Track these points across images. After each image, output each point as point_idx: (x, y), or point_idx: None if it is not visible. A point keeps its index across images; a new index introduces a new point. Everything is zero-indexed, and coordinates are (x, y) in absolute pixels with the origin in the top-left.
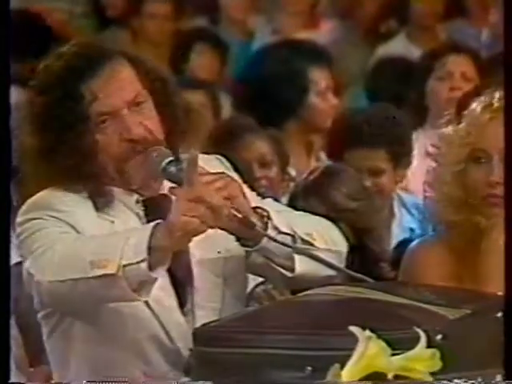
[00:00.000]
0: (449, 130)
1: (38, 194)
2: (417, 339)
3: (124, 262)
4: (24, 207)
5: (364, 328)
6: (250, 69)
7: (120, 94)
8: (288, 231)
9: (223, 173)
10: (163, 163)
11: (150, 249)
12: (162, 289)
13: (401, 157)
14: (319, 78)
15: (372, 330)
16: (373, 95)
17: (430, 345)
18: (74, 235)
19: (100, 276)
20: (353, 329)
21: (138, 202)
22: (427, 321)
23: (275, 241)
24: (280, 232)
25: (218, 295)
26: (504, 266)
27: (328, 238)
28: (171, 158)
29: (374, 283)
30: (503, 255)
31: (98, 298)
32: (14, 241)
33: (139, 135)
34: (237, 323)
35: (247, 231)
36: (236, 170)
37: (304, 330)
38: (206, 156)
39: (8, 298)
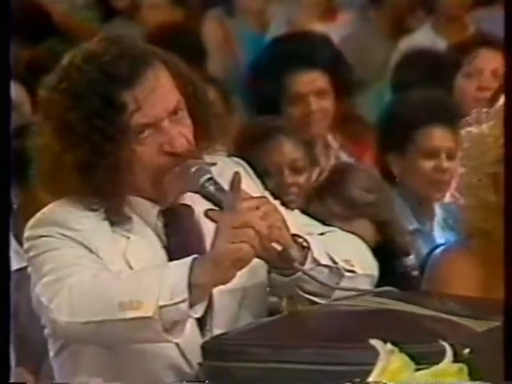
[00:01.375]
0: (479, 129)
1: (48, 208)
2: (442, 353)
3: (161, 303)
4: (33, 221)
5: (386, 341)
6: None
7: (163, 103)
8: (328, 263)
9: (264, 197)
10: (201, 180)
11: (190, 287)
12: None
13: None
14: (299, 82)
15: (394, 344)
16: (399, 91)
17: (456, 359)
18: (91, 267)
19: (132, 319)
20: (374, 342)
21: (159, 214)
22: (453, 333)
23: (311, 277)
24: (319, 264)
25: (236, 316)
26: (504, 270)
27: (363, 262)
28: (210, 176)
29: (396, 293)
30: None
31: (125, 340)
32: (13, 246)
33: (181, 148)
34: (249, 335)
35: (284, 263)
36: (258, 175)
37: (321, 343)
38: (225, 159)
39: (8, 299)
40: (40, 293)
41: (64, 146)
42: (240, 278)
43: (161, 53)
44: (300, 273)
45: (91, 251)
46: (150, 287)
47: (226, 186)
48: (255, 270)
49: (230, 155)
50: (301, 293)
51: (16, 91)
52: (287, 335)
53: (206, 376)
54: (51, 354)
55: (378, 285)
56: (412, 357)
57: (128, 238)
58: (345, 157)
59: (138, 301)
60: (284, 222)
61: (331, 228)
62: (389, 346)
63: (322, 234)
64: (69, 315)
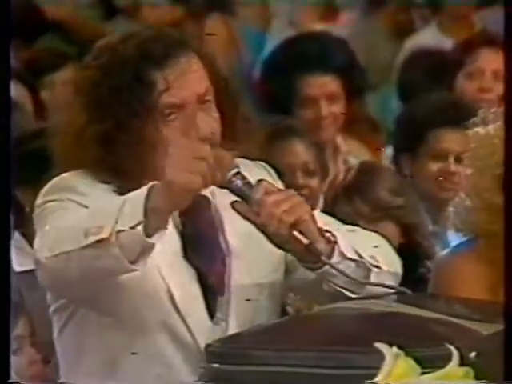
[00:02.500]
0: (485, 130)
1: (61, 176)
2: (449, 357)
3: (119, 228)
4: (45, 188)
5: (391, 344)
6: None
7: (192, 87)
8: (354, 257)
9: (291, 190)
10: (229, 174)
11: (145, 211)
12: (190, 294)
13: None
14: (307, 85)
15: (400, 347)
16: (405, 93)
17: (462, 363)
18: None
19: (92, 244)
20: (379, 345)
21: None
22: (460, 337)
23: (339, 271)
24: (346, 258)
25: (253, 310)
26: (504, 272)
27: (388, 259)
28: (238, 170)
29: (402, 296)
30: None
31: (91, 270)
32: (14, 243)
33: (206, 134)
34: (253, 338)
35: (311, 257)
36: (281, 178)
37: (326, 346)
38: (249, 162)
39: (8, 298)
40: (35, 243)
41: (89, 119)
42: (258, 273)
43: (197, 43)
44: (327, 267)
45: None
46: (111, 213)
47: (253, 181)
48: (274, 268)
49: (246, 157)
50: (327, 288)
51: (17, 91)
52: (291, 338)
53: (208, 379)
54: (55, 334)
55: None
56: (418, 360)
57: None
58: (353, 160)
59: (100, 226)
60: (311, 215)
61: (353, 227)
62: (394, 349)
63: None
64: (45, 251)
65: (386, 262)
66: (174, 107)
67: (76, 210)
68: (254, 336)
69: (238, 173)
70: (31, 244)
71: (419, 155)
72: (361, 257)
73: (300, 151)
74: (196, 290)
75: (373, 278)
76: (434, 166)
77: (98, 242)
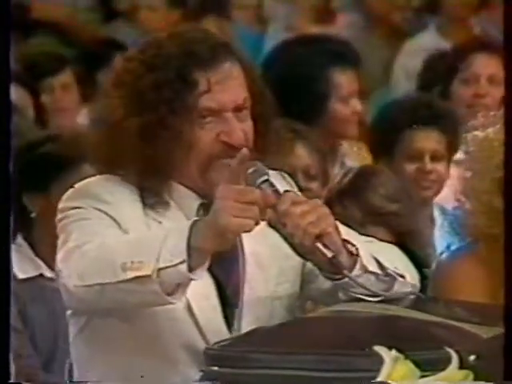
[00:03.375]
0: (485, 133)
1: (85, 181)
2: (448, 360)
3: (161, 265)
4: (68, 193)
5: (390, 348)
6: (265, 69)
7: (232, 93)
8: (376, 270)
9: (318, 201)
10: (258, 181)
11: (189, 249)
12: (209, 305)
13: (455, 146)
14: (343, 81)
15: (399, 350)
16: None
17: (462, 366)
18: (106, 235)
19: (131, 279)
20: (378, 348)
21: (200, 207)
22: (459, 340)
23: (360, 285)
24: (367, 271)
25: (267, 313)
26: (504, 275)
27: (409, 271)
28: (267, 178)
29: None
30: None
31: (126, 302)
32: (28, 254)
33: (238, 141)
34: (253, 341)
35: (333, 269)
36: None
37: (326, 349)
38: (271, 172)
39: (8, 302)
40: (59, 259)
41: (129, 112)
42: (275, 284)
43: (240, 51)
44: (347, 279)
45: (120, 227)
46: (151, 249)
47: (281, 189)
48: (291, 279)
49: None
50: (343, 296)
51: (17, 93)
52: (291, 341)
53: (208, 382)
54: (71, 338)
55: None
56: (417, 364)
57: (160, 222)
58: (349, 163)
59: (140, 261)
60: (336, 227)
61: (369, 238)
62: (393, 352)
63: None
64: (75, 280)
65: (410, 274)
66: (211, 111)
67: (100, 223)
68: (254, 339)
69: (267, 180)
70: (34, 250)
71: (395, 156)
72: (383, 268)
73: (303, 154)
74: (214, 300)
75: (396, 288)
76: (411, 166)
77: (137, 277)
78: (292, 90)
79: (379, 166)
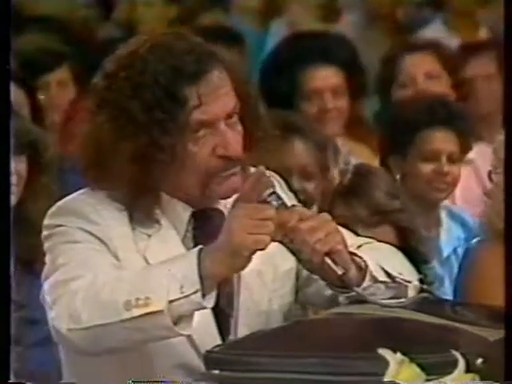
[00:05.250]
0: None
1: (70, 197)
2: (455, 363)
3: (171, 297)
4: (53, 209)
5: (395, 351)
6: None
7: (223, 103)
8: (385, 279)
9: (326, 215)
10: (264, 194)
11: (201, 278)
12: (203, 320)
13: (468, 147)
14: (309, 78)
15: (404, 353)
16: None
17: (469, 369)
18: (103, 267)
19: (139, 316)
20: (383, 351)
21: (191, 217)
22: (466, 343)
23: (369, 300)
24: (377, 281)
25: (263, 319)
26: (504, 273)
27: (410, 272)
28: (273, 190)
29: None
30: None
31: (133, 341)
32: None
33: (235, 152)
34: (253, 344)
35: (342, 284)
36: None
37: (328, 352)
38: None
39: (9, 297)
40: (46, 291)
41: (120, 135)
42: (269, 292)
43: (224, 55)
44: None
45: (109, 249)
46: (157, 282)
47: (288, 202)
48: (286, 285)
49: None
50: (344, 301)
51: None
52: (292, 344)
53: None
54: (62, 356)
55: None
56: (423, 367)
57: (149, 236)
58: (353, 161)
59: (147, 297)
60: (344, 243)
61: (366, 239)
62: (399, 355)
63: (359, 246)
64: (69, 322)
65: (410, 276)
66: (203, 124)
67: (89, 248)
68: (254, 342)
69: (274, 193)
70: None
71: (409, 157)
72: (390, 276)
73: (299, 153)
74: (208, 313)
75: (409, 294)
76: (426, 167)
77: (145, 314)
78: (268, 88)
79: (372, 164)
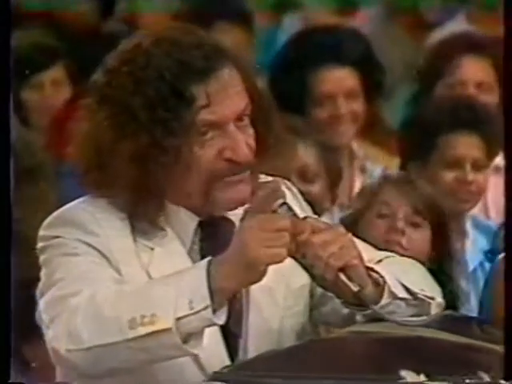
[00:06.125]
0: None
1: (68, 206)
2: None
3: (180, 314)
4: (49, 219)
5: (418, 372)
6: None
7: (233, 103)
8: (404, 296)
9: (340, 228)
10: (275, 204)
11: (211, 292)
12: (210, 339)
13: (495, 154)
14: (320, 81)
15: (427, 375)
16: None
17: None
18: (103, 282)
19: (145, 335)
20: (404, 373)
21: (197, 227)
22: (494, 364)
23: (389, 319)
24: (397, 298)
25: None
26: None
27: (433, 289)
28: (283, 201)
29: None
30: None
31: (139, 361)
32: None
33: (243, 157)
34: (264, 365)
35: (358, 301)
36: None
37: (344, 373)
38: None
39: (9, 296)
40: (42, 309)
41: (120, 134)
42: (280, 310)
43: (234, 53)
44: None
45: (109, 262)
46: (163, 298)
47: (299, 212)
48: (299, 304)
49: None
50: (361, 319)
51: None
52: (305, 365)
53: None
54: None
55: None
56: None
57: (152, 248)
58: (370, 166)
59: (152, 314)
60: (360, 257)
61: (387, 253)
62: (422, 377)
63: (380, 260)
64: (68, 343)
65: (433, 292)
66: (211, 125)
67: (88, 261)
68: (265, 362)
69: (284, 203)
70: None
71: (431, 163)
72: (412, 293)
73: (299, 153)
74: (216, 333)
75: (432, 311)
76: (449, 175)
77: (152, 332)
78: (279, 91)
79: (402, 173)
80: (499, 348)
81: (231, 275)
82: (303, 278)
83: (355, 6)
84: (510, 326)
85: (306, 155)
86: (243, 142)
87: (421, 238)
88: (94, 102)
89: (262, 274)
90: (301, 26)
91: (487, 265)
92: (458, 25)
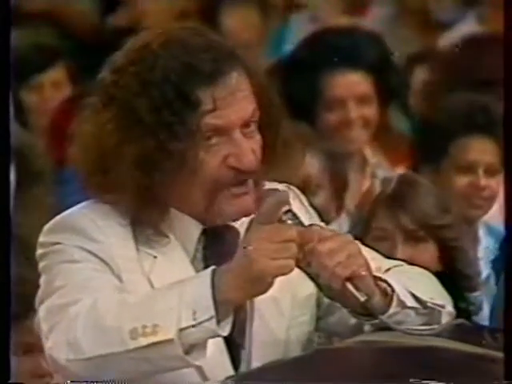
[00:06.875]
0: None
1: (69, 212)
2: None
3: (183, 325)
4: (49, 225)
5: (428, 382)
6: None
7: (240, 109)
8: (413, 305)
9: (347, 236)
10: (280, 212)
11: (215, 303)
12: (213, 349)
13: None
14: (336, 84)
15: None
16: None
17: None
18: (104, 290)
19: (148, 346)
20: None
21: (201, 235)
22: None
23: (396, 329)
24: (405, 307)
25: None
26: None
27: (444, 299)
28: (289, 208)
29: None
30: None
31: (141, 372)
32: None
33: (249, 165)
34: (269, 375)
35: (366, 311)
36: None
37: (353, 383)
38: (278, 185)
39: (9, 296)
40: (41, 317)
41: (124, 137)
42: (285, 320)
43: (243, 56)
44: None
45: (111, 269)
46: (166, 308)
47: (305, 221)
48: (304, 314)
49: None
50: (369, 328)
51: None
52: (313, 374)
53: None
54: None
55: None
56: None
57: (154, 256)
58: (382, 173)
59: (155, 325)
60: (367, 266)
61: (396, 262)
62: None
63: (388, 269)
64: (68, 352)
65: (443, 300)
66: (217, 130)
67: (89, 269)
68: (270, 373)
69: (289, 211)
70: None
71: (443, 168)
72: (421, 302)
73: (304, 162)
74: (220, 343)
75: (443, 320)
76: (461, 180)
77: (154, 343)
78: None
79: (417, 176)
80: None
81: (237, 286)
82: (310, 288)
83: (365, 5)
84: (510, 326)
85: (310, 166)
86: (248, 149)
87: (425, 251)
88: (99, 102)
89: (269, 285)
90: (309, 26)
91: (500, 272)
92: (467, 26)
